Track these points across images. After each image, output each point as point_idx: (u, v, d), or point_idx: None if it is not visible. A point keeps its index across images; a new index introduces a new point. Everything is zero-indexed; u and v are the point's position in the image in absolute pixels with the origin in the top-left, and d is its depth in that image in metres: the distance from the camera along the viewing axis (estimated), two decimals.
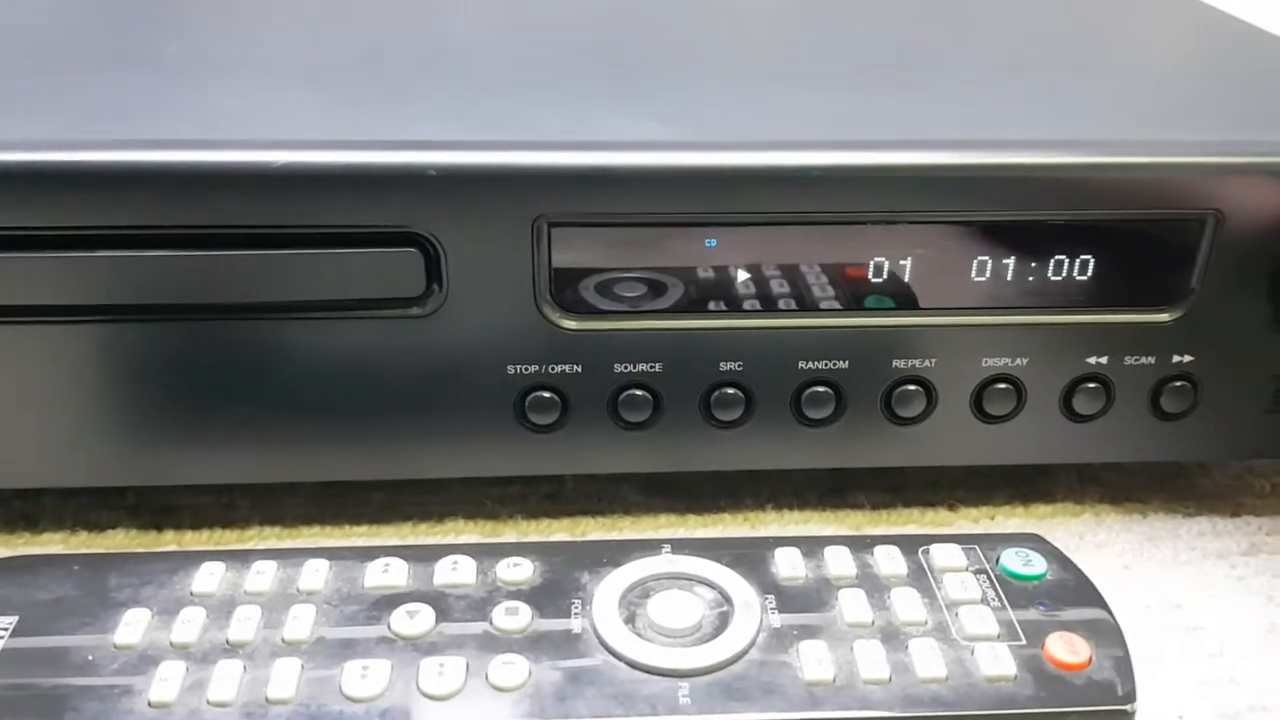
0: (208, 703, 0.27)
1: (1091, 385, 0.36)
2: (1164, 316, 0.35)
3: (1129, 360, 0.36)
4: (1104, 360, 0.36)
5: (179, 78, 0.37)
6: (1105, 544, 0.38)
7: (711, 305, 0.35)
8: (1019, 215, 0.34)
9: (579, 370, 0.35)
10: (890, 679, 0.28)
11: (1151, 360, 0.36)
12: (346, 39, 0.44)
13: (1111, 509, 0.40)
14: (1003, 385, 0.36)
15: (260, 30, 0.45)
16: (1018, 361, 0.36)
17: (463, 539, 0.38)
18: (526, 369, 0.35)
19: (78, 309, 0.33)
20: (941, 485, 0.40)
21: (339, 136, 0.32)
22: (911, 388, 0.36)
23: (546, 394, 0.35)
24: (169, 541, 0.37)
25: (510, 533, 0.38)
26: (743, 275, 0.34)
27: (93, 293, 0.32)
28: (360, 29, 0.45)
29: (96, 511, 0.38)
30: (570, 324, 0.34)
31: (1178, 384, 0.36)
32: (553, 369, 0.35)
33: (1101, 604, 0.30)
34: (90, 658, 0.28)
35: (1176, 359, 0.36)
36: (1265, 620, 0.35)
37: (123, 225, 0.31)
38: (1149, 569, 0.37)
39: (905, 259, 0.34)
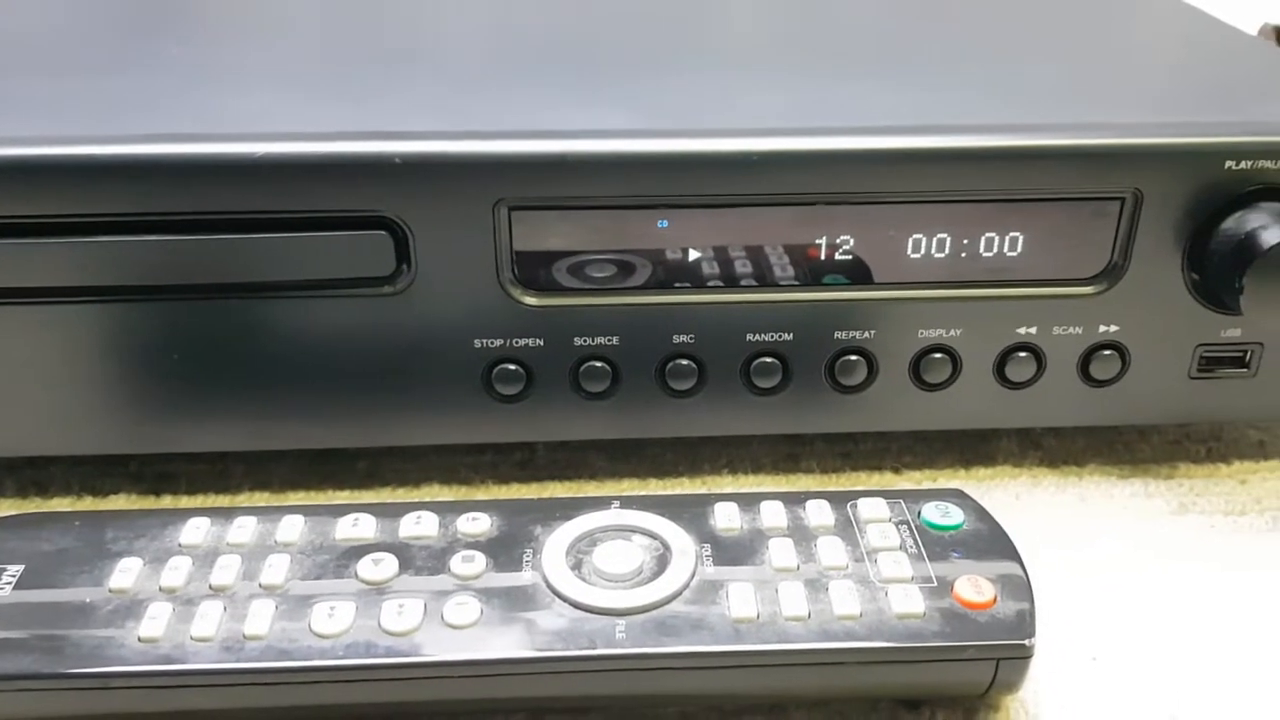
0: (191, 638, 0.29)
1: (1022, 354, 0.38)
2: (1089, 289, 0.38)
3: (1057, 330, 0.38)
4: (1033, 330, 0.38)
5: (172, 78, 0.40)
6: (1039, 503, 0.40)
7: (665, 282, 0.37)
8: (951, 195, 0.36)
9: (541, 344, 0.37)
10: (809, 616, 0.30)
11: (1079, 330, 0.38)
12: (323, 40, 0.47)
13: (1049, 472, 0.42)
14: (939, 355, 0.38)
15: (247, 33, 0.48)
16: (952, 332, 0.38)
17: None
18: (492, 343, 0.37)
19: (78, 290, 0.35)
20: (889, 451, 0.43)
21: (315, 129, 0.35)
22: (853, 358, 0.38)
23: (511, 366, 0.38)
24: (166, 505, 0.40)
25: (482, 497, 0.41)
26: (693, 254, 0.37)
27: (91, 275, 0.35)
28: (334, 30, 0.48)
29: (101, 478, 0.41)
30: (531, 300, 0.37)
31: (1105, 352, 0.39)
32: (516, 343, 0.37)
33: (1013, 553, 0.32)
34: (88, 600, 0.31)
35: (1103, 328, 0.38)
36: (1186, 574, 0.37)
37: (118, 213, 0.34)
38: (1078, 526, 0.39)
39: (845, 238, 0.37)
